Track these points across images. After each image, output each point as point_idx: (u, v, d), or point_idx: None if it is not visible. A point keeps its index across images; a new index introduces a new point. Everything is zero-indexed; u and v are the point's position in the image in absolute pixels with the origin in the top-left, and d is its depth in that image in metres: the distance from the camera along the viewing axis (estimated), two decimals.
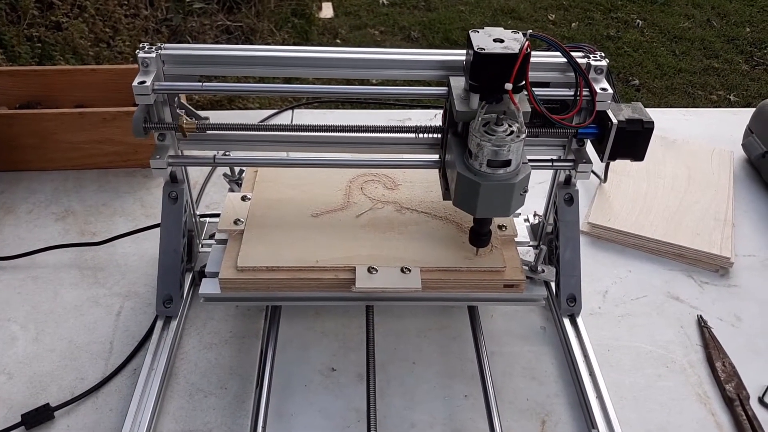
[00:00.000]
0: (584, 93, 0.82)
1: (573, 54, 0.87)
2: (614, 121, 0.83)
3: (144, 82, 0.80)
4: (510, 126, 0.73)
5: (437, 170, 0.89)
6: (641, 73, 3.39)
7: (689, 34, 3.69)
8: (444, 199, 0.85)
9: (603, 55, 0.85)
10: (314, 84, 0.87)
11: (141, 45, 0.83)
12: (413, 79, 0.86)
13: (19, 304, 0.98)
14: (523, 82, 0.76)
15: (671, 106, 3.13)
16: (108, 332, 0.94)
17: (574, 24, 3.79)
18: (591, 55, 0.85)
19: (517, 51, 0.73)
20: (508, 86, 0.73)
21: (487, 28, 0.77)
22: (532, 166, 0.90)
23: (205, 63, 0.83)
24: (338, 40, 3.53)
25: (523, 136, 0.72)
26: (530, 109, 0.77)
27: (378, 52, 0.84)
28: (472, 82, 0.76)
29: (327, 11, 3.82)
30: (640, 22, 3.80)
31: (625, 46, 3.56)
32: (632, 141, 0.84)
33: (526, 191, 0.76)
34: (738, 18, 3.87)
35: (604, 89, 0.83)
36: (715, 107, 3.15)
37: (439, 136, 0.86)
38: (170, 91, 0.82)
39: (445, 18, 3.75)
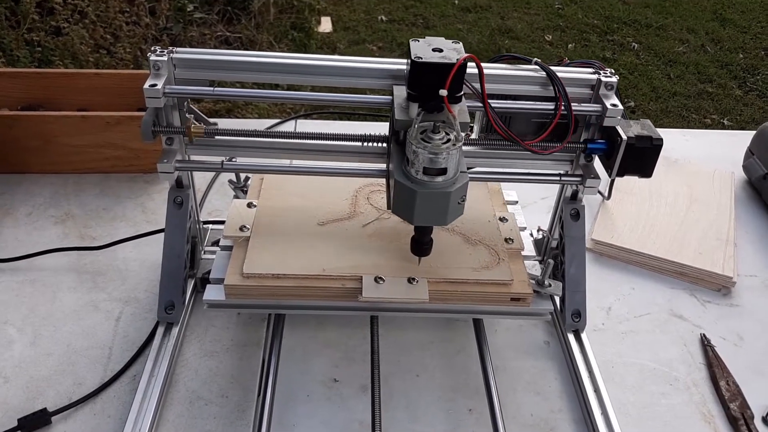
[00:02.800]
0: (562, 111, 0.82)
1: (583, 69, 0.88)
2: (623, 137, 0.83)
3: (155, 85, 0.79)
4: (447, 134, 0.72)
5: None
6: (636, 95, 3.42)
7: (684, 59, 3.74)
8: (387, 207, 0.84)
9: (613, 71, 0.86)
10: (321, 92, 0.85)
11: (153, 48, 0.82)
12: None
13: (17, 307, 0.96)
14: (461, 93, 0.76)
15: (665, 128, 3.16)
16: (107, 337, 0.93)
17: (570, 45, 3.83)
18: (601, 72, 0.86)
19: (453, 61, 0.72)
20: (443, 92, 0.71)
21: (428, 38, 0.77)
22: (539, 180, 0.91)
23: (217, 68, 0.82)
24: (337, 54, 3.54)
25: (460, 144, 0.71)
26: (469, 120, 0.77)
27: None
28: (410, 91, 0.76)
29: (326, 26, 3.84)
30: (636, 45, 3.86)
31: (620, 68, 3.59)
32: (641, 157, 0.85)
33: (463, 200, 0.75)
34: (731, 44, 3.93)
35: (614, 105, 0.83)
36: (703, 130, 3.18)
37: (385, 145, 0.85)
38: (181, 94, 0.82)
39: (443, 35, 3.76)
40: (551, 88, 0.83)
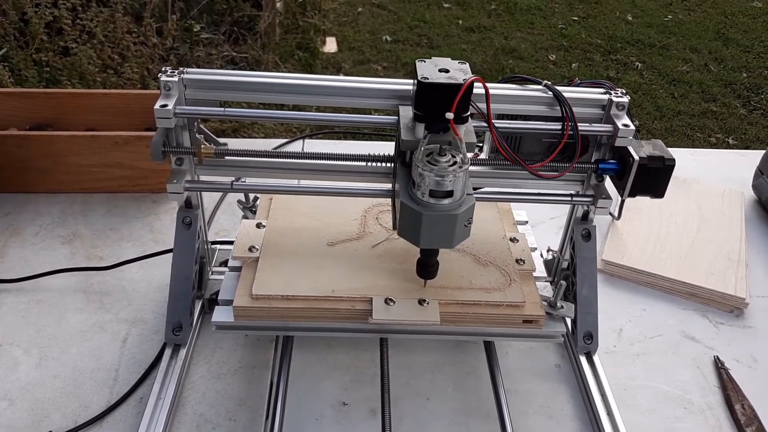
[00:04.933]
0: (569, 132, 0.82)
1: (593, 89, 0.87)
2: (636, 157, 0.82)
3: (166, 105, 0.79)
4: (453, 157, 0.72)
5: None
6: (641, 114, 3.43)
7: (687, 78, 3.75)
8: (393, 228, 0.83)
9: (624, 91, 0.86)
10: (330, 112, 0.85)
11: (163, 69, 0.83)
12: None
13: (23, 328, 0.95)
14: (468, 114, 0.75)
15: (670, 147, 3.16)
16: (113, 359, 0.92)
17: (574, 65, 3.85)
18: (612, 92, 0.86)
19: (460, 81, 0.72)
20: (449, 116, 0.71)
21: (434, 58, 0.77)
22: (550, 200, 0.90)
23: (229, 88, 0.82)
24: (342, 74, 3.56)
25: (466, 167, 0.71)
26: (475, 140, 0.76)
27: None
28: (416, 111, 0.75)
29: (331, 46, 3.87)
30: (639, 65, 3.87)
31: (624, 87, 3.58)
32: (653, 178, 0.84)
33: (470, 222, 0.74)
34: (735, 63, 3.95)
35: (626, 125, 0.83)
36: (710, 149, 3.18)
37: (391, 165, 0.85)
38: (192, 115, 0.82)
39: (447, 56, 3.78)
40: (558, 108, 0.82)
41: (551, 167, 0.84)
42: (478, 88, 0.76)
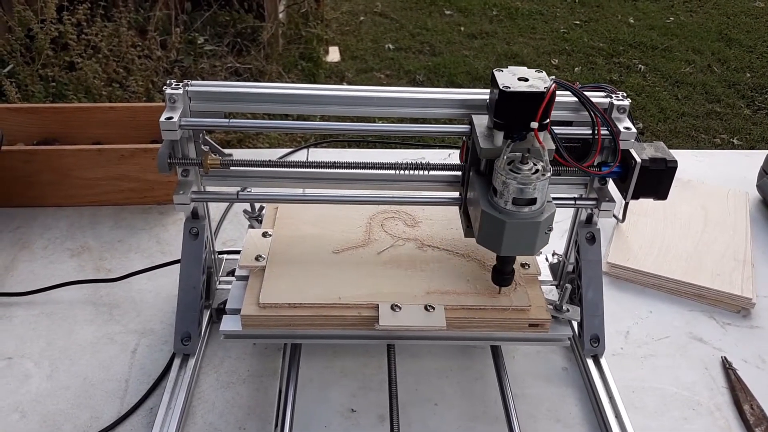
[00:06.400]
0: (603, 132, 0.83)
1: (595, 93, 0.88)
2: (638, 160, 0.83)
3: (171, 117, 0.80)
4: (535, 164, 0.73)
5: (457, 207, 0.89)
6: (645, 116, 3.43)
7: (691, 79, 3.75)
8: (465, 236, 0.84)
9: (625, 95, 0.86)
10: (330, 121, 0.86)
11: (168, 81, 0.84)
12: (433, 117, 0.87)
13: (34, 341, 0.96)
14: (547, 121, 0.77)
15: (675, 149, 3.16)
16: (123, 370, 0.93)
17: (577, 68, 3.85)
18: (613, 95, 0.86)
19: (542, 89, 0.73)
20: (534, 125, 0.73)
21: (511, 68, 0.78)
22: (555, 204, 0.91)
23: (233, 100, 0.83)
24: (345, 83, 3.58)
25: (549, 174, 0.72)
26: (554, 147, 0.78)
27: (401, 91, 0.85)
28: (496, 120, 0.76)
29: (334, 55, 3.89)
30: (642, 67, 3.87)
31: (628, 90, 3.61)
32: (656, 180, 0.85)
33: (551, 229, 0.75)
34: (738, 64, 3.94)
35: (627, 128, 0.83)
36: (714, 150, 3.18)
37: (459, 173, 0.86)
38: (197, 127, 0.83)
39: (450, 62, 3.82)
40: (584, 112, 0.83)
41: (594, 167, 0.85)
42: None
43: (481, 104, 0.83)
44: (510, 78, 0.76)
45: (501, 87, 0.74)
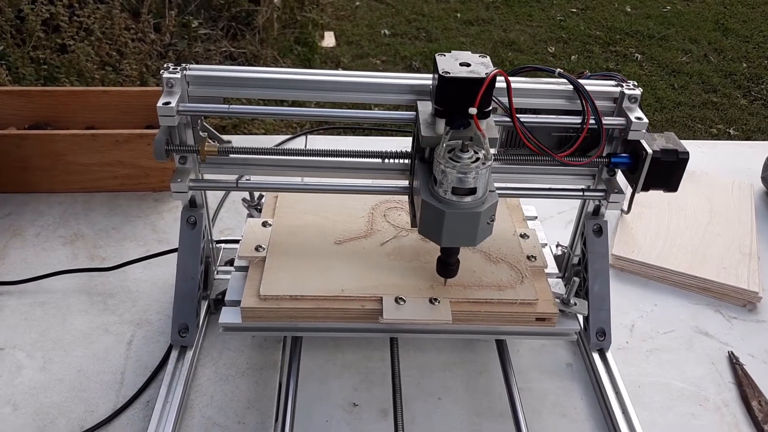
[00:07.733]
0: (590, 122, 0.80)
1: (605, 82, 0.86)
2: (649, 151, 0.81)
3: (169, 103, 0.77)
4: (476, 153, 0.70)
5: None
6: (641, 105, 3.41)
7: (687, 69, 3.73)
8: (411, 226, 0.82)
9: (636, 84, 0.84)
10: (331, 108, 0.83)
11: (165, 65, 0.81)
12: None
13: (26, 331, 0.94)
14: (490, 108, 0.73)
15: None
16: (119, 362, 0.90)
17: (573, 57, 3.83)
18: (624, 84, 0.84)
19: (483, 75, 0.70)
20: (472, 111, 0.69)
21: (454, 52, 0.75)
22: (561, 195, 0.89)
23: (233, 85, 0.80)
24: (340, 69, 3.53)
25: (489, 163, 0.69)
26: (497, 136, 0.75)
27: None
28: (437, 107, 0.73)
29: (329, 40, 3.84)
30: (639, 56, 3.85)
31: None
32: (666, 171, 0.83)
33: (493, 220, 0.73)
34: (734, 54, 3.92)
35: (639, 118, 0.81)
36: (716, 140, 3.17)
37: (407, 161, 0.83)
38: (196, 112, 0.80)
39: (446, 49, 3.75)
40: (578, 101, 0.81)
41: (575, 159, 0.82)
42: (500, 82, 0.74)
43: (427, 90, 0.79)
44: (452, 63, 0.72)
45: (441, 72, 0.71)
